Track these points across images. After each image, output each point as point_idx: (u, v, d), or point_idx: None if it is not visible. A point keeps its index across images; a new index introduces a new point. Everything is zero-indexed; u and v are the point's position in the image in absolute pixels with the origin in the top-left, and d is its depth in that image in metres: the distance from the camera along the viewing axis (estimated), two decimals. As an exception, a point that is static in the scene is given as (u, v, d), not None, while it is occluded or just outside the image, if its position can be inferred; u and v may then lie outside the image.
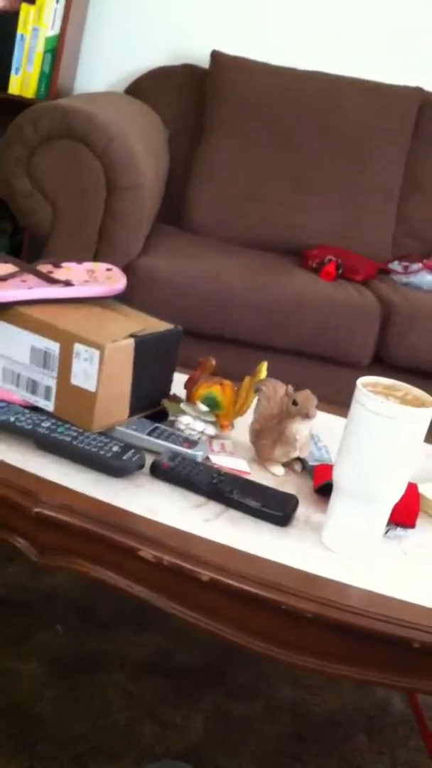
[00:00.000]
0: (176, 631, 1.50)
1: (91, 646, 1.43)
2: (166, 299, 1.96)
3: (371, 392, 0.94)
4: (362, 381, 0.96)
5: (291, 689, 1.44)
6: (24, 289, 1.13)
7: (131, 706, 1.32)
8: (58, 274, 1.21)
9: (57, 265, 1.25)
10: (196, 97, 2.55)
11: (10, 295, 1.11)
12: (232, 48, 2.62)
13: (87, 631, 1.46)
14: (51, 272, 1.21)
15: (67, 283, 1.18)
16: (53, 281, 1.17)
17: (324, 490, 1.09)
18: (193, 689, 1.39)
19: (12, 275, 1.16)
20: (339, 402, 1.54)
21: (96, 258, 1.93)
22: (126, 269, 1.94)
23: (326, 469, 1.12)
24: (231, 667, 1.46)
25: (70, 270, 1.24)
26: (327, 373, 2.08)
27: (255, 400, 1.20)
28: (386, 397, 0.95)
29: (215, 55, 2.51)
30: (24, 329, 1.11)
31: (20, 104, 2.41)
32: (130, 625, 1.49)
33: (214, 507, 1.03)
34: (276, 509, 1.02)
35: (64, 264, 1.26)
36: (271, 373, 1.22)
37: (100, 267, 1.28)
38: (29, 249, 2.52)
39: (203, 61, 2.61)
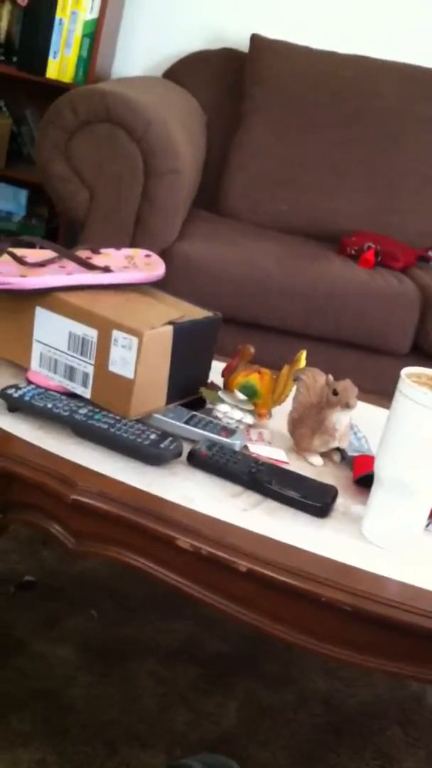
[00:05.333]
0: (208, 618, 1.49)
1: (123, 631, 1.43)
2: (202, 285, 1.94)
3: (415, 383, 0.92)
4: (406, 372, 0.94)
5: (324, 680, 1.43)
6: (63, 275, 1.12)
7: (163, 692, 1.32)
8: (97, 260, 1.21)
9: (96, 251, 1.24)
10: (235, 82, 2.52)
11: (49, 280, 1.10)
12: (272, 31, 2.58)
13: (119, 616, 1.46)
14: (90, 258, 1.20)
15: (106, 270, 1.17)
16: (92, 267, 1.16)
17: (364, 481, 1.07)
18: (225, 677, 1.38)
19: (51, 261, 1.16)
20: (377, 391, 1.52)
21: (132, 243, 1.92)
22: (162, 255, 1.93)
23: (366, 459, 1.11)
24: (263, 655, 1.45)
25: (108, 256, 1.24)
26: (364, 361, 2.06)
27: (294, 389, 1.18)
28: (431, 388, 0.93)
29: (254, 39, 2.48)
30: (62, 315, 1.10)
31: (58, 89, 2.40)
32: (162, 611, 1.49)
33: (251, 497, 1.02)
34: (315, 500, 1.01)
35: (102, 250, 1.25)
36: (307, 361, 1.20)
37: (139, 253, 1.28)
38: (65, 234, 2.52)
39: (242, 44, 2.58)
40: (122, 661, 1.36)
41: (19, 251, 1.17)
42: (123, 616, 1.46)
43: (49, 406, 1.05)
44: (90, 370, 1.10)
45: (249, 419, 1.17)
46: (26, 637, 1.35)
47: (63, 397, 1.08)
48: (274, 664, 1.44)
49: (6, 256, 1.14)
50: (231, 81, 2.53)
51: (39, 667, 1.30)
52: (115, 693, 1.29)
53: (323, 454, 1.15)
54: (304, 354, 1.21)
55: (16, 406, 1.06)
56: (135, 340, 1.06)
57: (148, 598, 1.52)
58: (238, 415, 1.16)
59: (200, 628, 1.47)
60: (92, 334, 1.09)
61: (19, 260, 1.14)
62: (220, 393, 1.19)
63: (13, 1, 2.46)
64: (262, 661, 1.44)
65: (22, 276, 1.10)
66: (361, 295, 2.01)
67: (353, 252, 2.21)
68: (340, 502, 1.05)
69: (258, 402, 1.20)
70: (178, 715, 1.28)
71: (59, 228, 2.58)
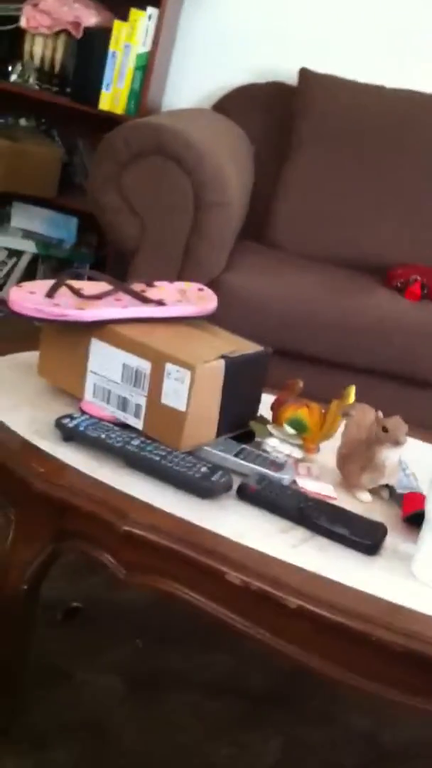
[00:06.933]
0: (248, 652, 1.48)
1: (164, 663, 1.43)
2: (248, 316, 1.95)
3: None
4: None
5: (366, 717, 1.41)
6: (118, 308, 1.14)
7: (206, 726, 1.31)
8: (151, 293, 1.23)
9: (150, 284, 1.26)
10: (283, 115, 2.55)
11: (105, 313, 1.13)
12: (321, 65, 2.61)
13: (160, 647, 1.46)
14: (144, 291, 1.22)
15: (160, 303, 1.19)
16: (146, 300, 1.18)
17: (413, 519, 1.07)
18: (267, 712, 1.37)
19: (107, 293, 1.18)
20: (425, 425, 1.51)
21: (181, 274, 1.95)
22: (209, 286, 1.95)
23: (415, 497, 1.10)
24: (304, 690, 1.44)
25: (162, 289, 1.26)
26: (411, 394, 2.05)
27: (342, 424, 1.19)
28: None
29: (303, 73, 2.51)
30: (117, 347, 1.12)
31: (110, 120, 2.45)
32: (202, 644, 1.49)
33: (300, 532, 1.02)
34: (364, 537, 1.00)
35: (156, 283, 1.27)
36: (355, 394, 1.21)
37: (192, 287, 1.29)
38: (113, 263, 2.55)
39: (291, 78, 2.61)
40: (164, 693, 1.36)
41: (76, 283, 1.19)
42: (164, 648, 1.46)
43: (103, 436, 1.07)
44: (143, 401, 1.11)
45: (298, 453, 1.18)
46: (69, 666, 1.36)
47: (116, 428, 1.10)
48: (316, 700, 1.43)
49: (64, 288, 1.17)
50: (279, 114, 2.56)
51: (81, 698, 1.30)
52: (157, 725, 1.29)
53: (372, 491, 1.15)
54: (353, 389, 1.21)
55: (70, 436, 1.08)
56: (188, 374, 1.07)
57: (189, 630, 1.52)
58: (287, 449, 1.17)
59: (241, 662, 1.47)
60: (146, 366, 1.10)
61: (76, 292, 1.16)
62: (269, 427, 1.19)
63: (68, 33, 2.52)
64: (304, 697, 1.43)
65: (79, 308, 1.12)
66: (407, 327, 2.01)
67: (399, 284, 2.21)
68: (389, 540, 1.04)
69: (307, 436, 1.20)
70: (221, 749, 1.27)
71: (108, 256, 2.62)
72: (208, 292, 1.27)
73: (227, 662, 1.46)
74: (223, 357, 1.12)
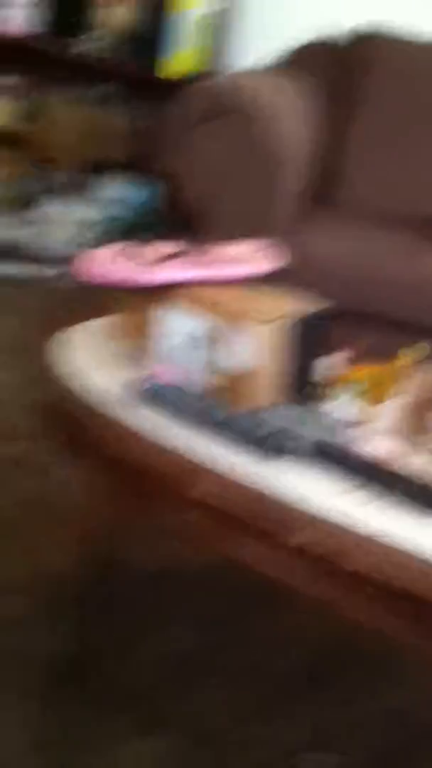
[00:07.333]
0: (276, 632, 1.45)
1: (190, 646, 1.40)
2: (319, 276, 1.92)
3: None
4: None
5: (399, 697, 1.37)
6: (185, 270, 1.16)
7: (235, 708, 1.29)
8: (217, 255, 1.23)
9: (215, 246, 1.27)
10: (350, 72, 2.49)
11: (168, 276, 1.14)
12: (388, 21, 2.54)
13: (195, 630, 1.43)
14: (209, 253, 1.23)
15: (226, 264, 1.19)
16: (212, 262, 1.19)
17: None
18: (296, 692, 1.34)
19: (173, 256, 1.19)
20: None
21: (250, 235, 1.94)
22: (279, 246, 1.94)
23: None
24: (334, 669, 1.40)
25: (228, 250, 1.26)
26: None
27: (407, 384, 1.18)
28: None
29: (369, 29, 2.45)
30: (184, 310, 1.13)
31: (176, 83, 2.44)
32: (229, 626, 1.46)
33: (367, 493, 1.02)
34: None
35: (222, 244, 1.28)
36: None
37: (258, 246, 1.30)
38: (183, 227, 2.56)
39: (358, 33, 2.55)
40: (194, 677, 1.33)
41: (142, 248, 1.21)
42: (199, 630, 1.43)
43: (171, 399, 1.09)
44: (210, 363, 1.12)
45: (362, 414, 1.17)
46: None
47: (184, 391, 1.11)
48: (346, 680, 1.39)
49: (131, 253, 1.19)
50: (346, 71, 2.50)
51: (129, 674, 1.30)
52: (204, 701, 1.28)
53: (440, 451, 1.14)
54: (420, 348, 1.20)
55: (143, 400, 1.10)
56: (253, 334, 1.08)
57: (221, 612, 1.49)
58: (351, 409, 1.16)
59: (270, 642, 1.44)
60: (212, 327, 1.11)
61: (142, 257, 1.18)
62: (333, 387, 1.19)
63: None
64: (334, 677, 1.39)
65: (147, 272, 1.14)
66: None
67: None
68: (459, 501, 1.03)
69: (371, 396, 1.19)
70: (251, 730, 1.25)
71: (178, 221, 2.63)
72: (274, 252, 1.27)
73: (256, 642, 1.44)
74: (287, 317, 1.12)
